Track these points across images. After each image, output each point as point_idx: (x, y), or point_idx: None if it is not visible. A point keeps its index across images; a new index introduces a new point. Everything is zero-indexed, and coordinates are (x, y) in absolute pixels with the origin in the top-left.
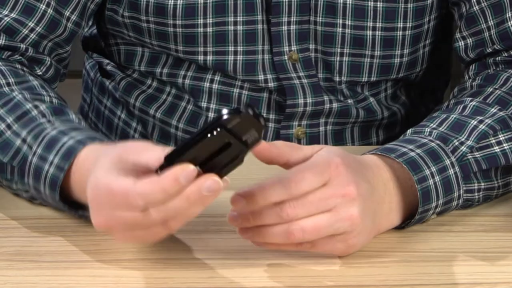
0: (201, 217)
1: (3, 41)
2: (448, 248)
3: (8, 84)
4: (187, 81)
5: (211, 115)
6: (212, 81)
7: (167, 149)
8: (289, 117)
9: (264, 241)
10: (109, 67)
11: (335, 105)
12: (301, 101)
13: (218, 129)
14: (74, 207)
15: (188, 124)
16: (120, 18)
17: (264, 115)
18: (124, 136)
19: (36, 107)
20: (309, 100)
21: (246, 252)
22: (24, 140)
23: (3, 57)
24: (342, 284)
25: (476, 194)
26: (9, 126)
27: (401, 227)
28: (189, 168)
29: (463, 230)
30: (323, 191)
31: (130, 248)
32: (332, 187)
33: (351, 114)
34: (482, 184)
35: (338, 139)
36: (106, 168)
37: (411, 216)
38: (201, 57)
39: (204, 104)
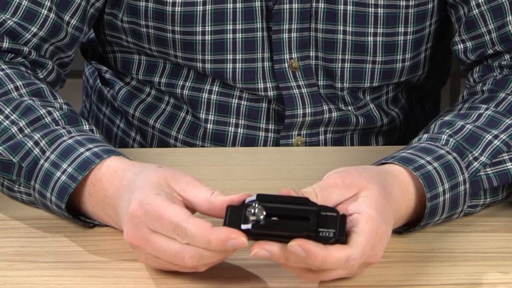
0: (201, 217)
1: (7, 44)
2: (448, 248)
3: (17, 88)
4: (185, 92)
5: (209, 126)
6: (210, 91)
7: (214, 192)
8: (289, 127)
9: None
10: (107, 75)
11: (334, 114)
12: (300, 111)
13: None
14: (77, 217)
15: (187, 135)
16: (119, 22)
17: (263, 125)
18: (123, 145)
19: (49, 113)
20: (308, 110)
21: (246, 252)
22: (36, 143)
23: (7, 59)
24: (342, 284)
25: (479, 208)
26: (21, 130)
27: (398, 231)
28: (242, 240)
29: (462, 230)
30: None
31: (130, 249)
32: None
33: (350, 122)
34: (488, 199)
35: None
36: (155, 190)
37: (412, 222)
38: (199, 64)
39: (202, 116)
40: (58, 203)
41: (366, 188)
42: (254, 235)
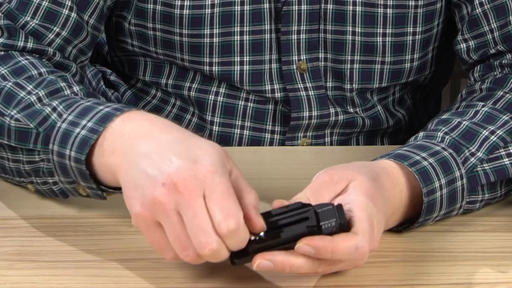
0: None
1: (32, 44)
2: (448, 248)
3: (40, 74)
4: (192, 93)
5: (215, 128)
6: (217, 93)
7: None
8: (294, 129)
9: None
10: (112, 77)
11: (341, 116)
12: (306, 113)
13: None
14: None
15: None
16: (127, 25)
17: (269, 127)
18: None
19: (69, 87)
20: (314, 113)
21: None
22: (54, 109)
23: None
24: (342, 284)
25: (477, 204)
26: (40, 99)
27: (397, 230)
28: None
29: (463, 230)
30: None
31: (130, 248)
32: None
33: (357, 124)
34: (486, 195)
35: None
36: (219, 164)
37: (409, 219)
38: (206, 67)
39: (208, 117)
40: (78, 156)
41: (354, 179)
42: (261, 250)
